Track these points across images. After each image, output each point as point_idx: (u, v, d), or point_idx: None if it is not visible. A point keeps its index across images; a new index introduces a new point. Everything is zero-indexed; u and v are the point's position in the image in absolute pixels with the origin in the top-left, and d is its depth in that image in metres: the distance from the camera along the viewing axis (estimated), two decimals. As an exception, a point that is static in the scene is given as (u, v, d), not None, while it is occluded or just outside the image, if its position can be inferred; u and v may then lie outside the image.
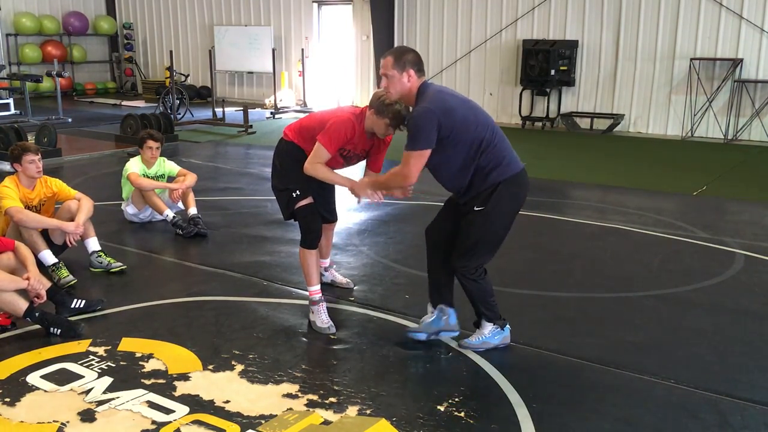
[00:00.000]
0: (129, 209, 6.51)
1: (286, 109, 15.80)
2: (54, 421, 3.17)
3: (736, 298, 4.83)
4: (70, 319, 4.20)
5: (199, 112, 14.81)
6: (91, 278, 5.10)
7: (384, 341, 4.05)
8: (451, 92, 3.74)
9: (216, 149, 11.25)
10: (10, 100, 14.69)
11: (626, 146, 11.72)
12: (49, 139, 9.84)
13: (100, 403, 3.32)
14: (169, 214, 6.25)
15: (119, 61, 20.35)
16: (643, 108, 12.87)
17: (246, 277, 5.13)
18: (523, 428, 3.15)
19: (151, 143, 6.43)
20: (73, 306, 4.34)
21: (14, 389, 3.45)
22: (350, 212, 6.92)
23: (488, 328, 3.91)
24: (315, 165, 4.02)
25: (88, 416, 3.21)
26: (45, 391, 3.44)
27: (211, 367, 3.70)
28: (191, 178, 6.46)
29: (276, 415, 3.21)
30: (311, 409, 3.27)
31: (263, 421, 3.16)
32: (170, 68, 14.01)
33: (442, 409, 3.31)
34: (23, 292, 4.12)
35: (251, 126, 12.72)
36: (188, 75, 17.81)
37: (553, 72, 13.03)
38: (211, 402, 3.33)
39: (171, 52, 14.93)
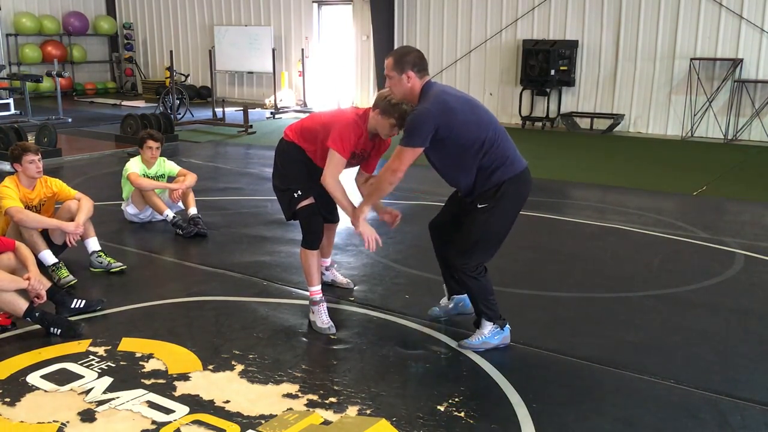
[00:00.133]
0: (129, 209, 6.51)
1: (286, 109, 15.80)
2: (54, 421, 3.17)
3: (736, 298, 4.83)
4: (70, 319, 4.20)
5: (199, 112, 14.81)
6: (91, 278, 5.10)
7: (384, 341, 4.06)
8: (454, 92, 3.75)
9: (216, 149, 11.25)
10: (10, 100, 14.69)
11: (626, 146, 11.72)
12: (49, 139, 9.84)
13: (100, 403, 3.32)
14: (169, 214, 6.25)
15: (119, 61, 20.35)
16: (643, 108, 12.87)
17: (246, 277, 5.13)
18: (523, 428, 3.15)
19: (151, 143, 6.43)
20: (73, 306, 4.34)
21: (14, 389, 3.45)
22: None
23: (488, 327, 3.91)
24: (336, 182, 3.98)
25: (88, 416, 3.21)
26: (45, 391, 3.44)
27: (211, 367, 3.70)
28: (191, 178, 6.46)
29: (276, 415, 3.21)
30: (311, 409, 3.27)
31: (263, 421, 3.16)
32: (170, 68, 14.01)
33: (442, 409, 3.31)
34: (23, 292, 4.12)
35: (251, 126, 12.72)
36: (188, 75, 17.81)
37: (553, 72, 13.03)
38: (211, 402, 3.33)
39: (171, 52, 14.93)
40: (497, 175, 3.68)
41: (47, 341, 3.99)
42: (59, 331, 4.04)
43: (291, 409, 3.28)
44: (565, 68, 13.11)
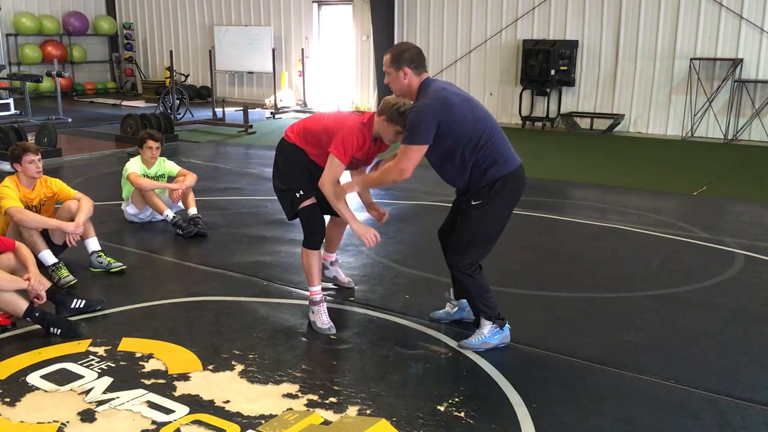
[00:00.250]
0: (129, 209, 6.51)
1: (286, 109, 15.80)
2: (54, 421, 3.17)
3: (736, 298, 4.83)
4: (70, 319, 4.20)
5: (199, 112, 14.81)
6: (91, 278, 5.10)
7: (384, 341, 4.06)
8: (452, 89, 3.77)
9: (216, 149, 11.25)
10: (10, 100, 14.69)
11: (626, 146, 11.72)
12: (49, 139, 9.84)
13: (100, 403, 3.32)
14: (169, 214, 6.25)
15: (119, 61, 20.36)
16: (643, 108, 12.87)
17: (246, 277, 5.13)
18: (523, 428, 3.15)
19: (151, 143, 6.43)
20: (73, 306, 4.34)
21: (14, 389, 3.45)
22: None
23: (487, 327, 3.91)
24: (332, 186, 3.98)
25: (88, 416, 3.21)
26: (45, 391, 3.44)
27: (211, 367, 3.70)
28: (191, 178, 6.46)
29: (276, 415, 3.21)
30: (311, 409, 3.28)
31: (263, 421, 3.16)
32: (170, 68, 14.01)
33: (442, 409, 3.31)
34: (23, 292, 4.12)
35: (251, 126, 12.72)
36: (188, 75, 17.81)
37: (553, 72, 13.03)
38: (211, 402, 3.33)
39: (171, 52, 14.93)
40: (492, 172, 3.70)
41: (47, 341, 4.00)
42: (59, 331, 4.04)
43: (291, 409, 3.28)
44: (565, 68, 13.11)
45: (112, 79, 20.47)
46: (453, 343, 4.00)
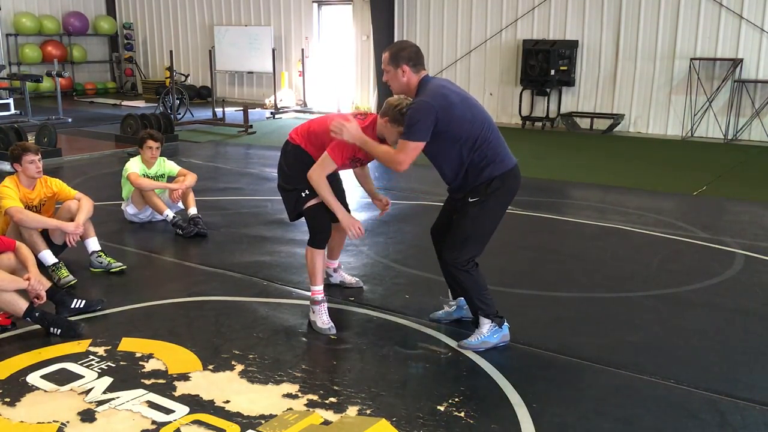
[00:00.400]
0: (129, 209, 6.51)
1: (286, 109, 15.80)
2: (54, 421, 3.17)
3: (736, 298, 4.83)
4: (70, 319, 4.20)
5: (199, 112, 14.81)
6: (91, 278, 5.10)
7: (384, 341, 4.06)
8: (452, 87, 3.80)
9: (216, 149, 11.25)
10: (10, 100, 14.69)
11: (626, 146, 11.72)
12: (49, 139, 9.84)
13: (100, 403, 3.32)
14: (169, 214, 6.25)
15: (119, 61, 20.36)
16: (643, 108, 12.87)
17: (246, 277, 5.13)
18: (523, 428, 3.15)
19: (151, 143, 6.43)
20: (73, 306, 4.34)
21: (14, 389, 3.45)
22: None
23: (486, 326, 3.91)
24: (321, 181, 4.02)
25: (88, 416, 3.21)
26: (45, 391, 3.44)
27: (211, 367, 3.70)
28: (191, 178, 6.46)
29: (276, 415, 3.21)
30: (311, 409, 3.27)
31: (263, 421, 3.16)
32: (170, 68, 14.01)
33: (442, 409, 3.31)
34: (23, 292, 4.12)
35: (251, 126, 12.72)
36: (188, 75, 17.81)
37: (553, 72, 13.03)
38: (211, 402, 3.33)
39: (171, 52, 14.93)
40: (488, 170, 3.74)
41: (47, 341, 3.99)
42: (59, 331, 4.04)
43: (291, 409, 3.28)
44: (565, 68, 13.11)
45: (112, 79, 20.48)
46: (453, 343, 4.00)
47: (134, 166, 6.40)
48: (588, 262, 5.62)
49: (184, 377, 3.58)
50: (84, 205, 5.17)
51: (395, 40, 14.85)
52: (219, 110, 13.52)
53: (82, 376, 3.58)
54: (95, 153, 10.37)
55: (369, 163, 4.41)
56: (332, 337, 4.11)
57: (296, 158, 4.20)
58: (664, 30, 12.37)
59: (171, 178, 6.60)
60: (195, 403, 3.32)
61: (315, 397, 3.38)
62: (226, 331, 4.17)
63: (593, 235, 6.40)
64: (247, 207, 7.29)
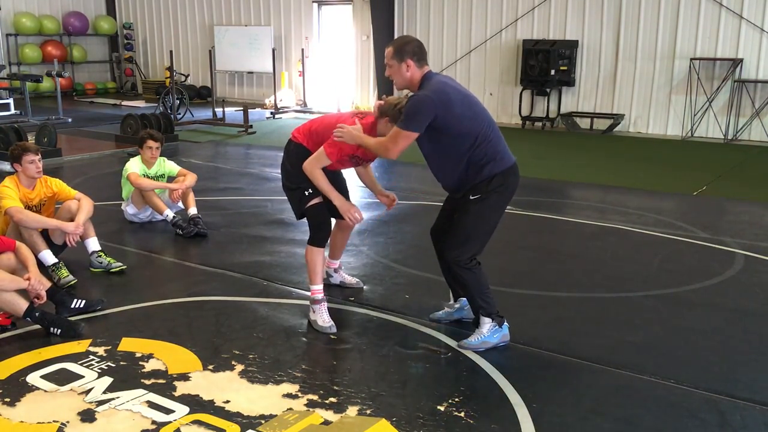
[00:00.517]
0: (129, 209, 6.51)
1: (286, 109, 15.80)
2: (54, 421, 3.17)
3: (736, 298, 4.83)
4: (70, 319, 4.20)
5: (199, 112, 14.81)
6: (91, 278, 5.10)
7: (384, 341, 4.06)
8: (454, 85, 3.83)
9: (216, 149, 11.25)
10: (10, 100, 14.69)
11: (626, 146, 11.72)
12: (49, 139, 9.83)
13: (100, 403, 3.32)
14: (169, 214, 6.25)
15: (119, 61, 20.36)
16: (643, 108, 12.87)
17: (246, 277, 5.13)
18: (523, 428, 3.15)
19: (151, 143, 6.43)
20: (73, 306, 4.34)
21: (14, 389, 3.45)
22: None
23: (487, 325, 3.91)
24: (315, 171, 4.08)
25: (88, 416, 3.20)
26: (45, 391, 3.44)
27: (211, 367, 3.70)
28: (191, 178, 6.46)
29: (276, 415, 3.21)
30: (311, 409, 3.27)
31: (263, 421, 3.16)
32: (170, 68, 14.01)
33: (442, 409, 3.31)
34: (23, 292, 4.12)
35: (251, 126, 12.72)
36: (188, 75, 17.81)
37: (553, 72, 13.03)
38: (211, 402, 3.33)
39: (171, 52, 14.93)
40: (488, 168, 3.76)
41: (47, 341, 3.99)
42: (59, 331, 4.04)
43: (291, 409, 3.28)
44: (565, 68, 13.11)
45: (112, 79, 20.47)
46: (453, 343, 4.00)
47: (134, 166, 6.40)
48: (588, 262, 5.62)
49: (184, 377, 3.58)
50: (84, 205, 5.17)
51: (395, 40, 14.86)
52: (219, 110, 13.52)
53: (82, 376, 3.58)
54: (95, 153, 10.37)
55: (372, 163, 4.43)
56: (332, 336, 4.11)
57: (298, 157, 4.22)
58: (664, 30, 12.37)
59: (171, 178, 6.60)
60: (195, 403, 3.32)
61: (315, 397, 3.38)
62: (226, 331, 4.17)
63: (593, 235, 6.40)
64: (247, 207, 7.29)
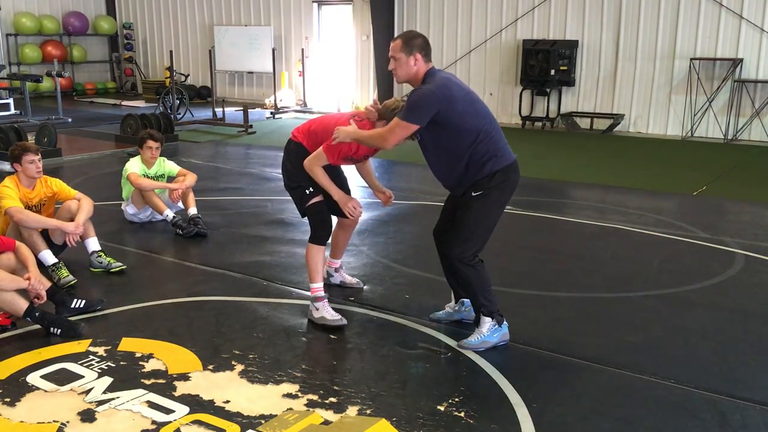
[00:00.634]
0: (129, 209, 6.51)
1: (286, 109, 15.80)
2: (54, 421, 3.17)
3: (736, 298, 4.83)
4: (70, 319, 4.20)
5: (199, 112, 14.80)
6: (91, 278, 5.10)
7: (384, 341, 4.06)
8: (457, 82, 3.85)
9: (216, 149, 11.25)
10: (10, 100, 14.69)
11: (626, 146, 11.72)
12: (49, 139, 9.84)
13: (100, 403, 3.32)
14: (169, 214, 6.25)
15: (119, 61, 20.36)
16: (643, 108, 12.87)
17: (246, 277, 5.13)
18: (523, 428, 3.15)
19: (151, 143, 6.43)
20: (73, 306, 4.34)
21: (14, 389, 3.45)
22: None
23: (487, 324, 3.91)
24: (315, 168, 4.14)
25: (88, 416, 3.21)
26: (45, 391, 3.44)
27: (211, 367, 3.70)
28: (191, 178, 6.46)
29: (276, 415, 3.21)
30: (311, 409, 3.28)
31: (263, 421, 3.16)
32: (170, 68, 14.01)
33: (442, 409, 3.31)
34: (23, 292, 4.12)
35: (251, 126, 12.72)
36: (188, 75, 17.81)
37: (553, 72, 13.03)
38: (211, 402, 3.33)
39: (171, 52, 14.93)
40: (489, 165, 3.78)
41: (47, 341, 3.99)
42: (59, 331, 4.04)
43: (291, 409, 3.28)
44: (565, 68, 13.11)
45: (112, 79, 20.48)
46: (453, 343, 4.00)
47: (134, 166, 6.40)
48: (588, 262, 5.62)
49: (184, 377, 3.58)
50: (84, 205, 5.17)
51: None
52: (219, 110, 13.52)
53: (82, 376, 3.58)
54: (95, 153, 10.37)
55: (370, 159, 4.46)
56: (332, 336, 4.11)
57: (299, 156, 4.26)
58: (664, 30, 12.37)
59: (171, 178, 6.60)
60: (195, 403, 3.32)
61: (315, 397, 3.38)
62: (226, 331, 4.17)
63: (593, 235, 6.40)
64: (247, 207, 7.29)
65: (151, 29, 19.73)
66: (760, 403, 3.40)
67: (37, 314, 4.06)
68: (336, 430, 3.10)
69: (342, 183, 4.45)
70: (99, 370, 3.64)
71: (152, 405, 3.30)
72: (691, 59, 12.07)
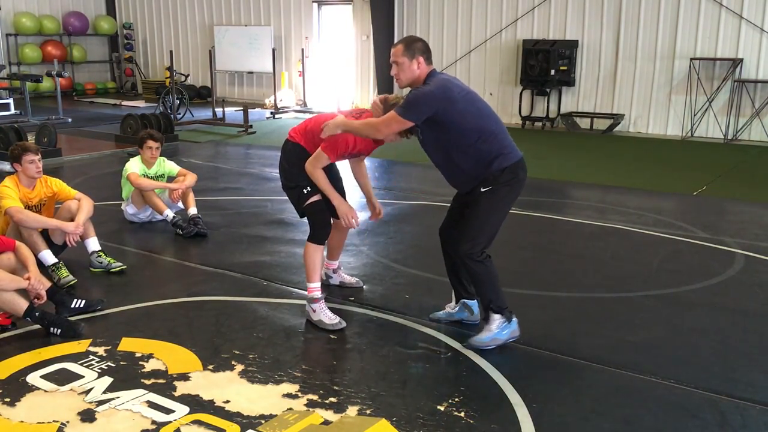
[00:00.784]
0: (129, 209, 6.51)
1: (286, 109, 15.80)
2: (54, 421, 3.17)
3: (736, 298, 4.83)
4: (70, 319, 4.20)
5: (199, 112, 14.81)
6: (91, 278, 5.10)
7: (384, 341, 4.06)
8: (458, 83, 3.87)
9: (216, 149, 11.25)
10: (10, 100, 14.69)
11: (626, 146, 11.72)
12: (49, 139, 9.84)
13: (100, 403, 3.32)
14: (169, 214, 6.25)
15: (119, 61, 20.36)
16: (643, 108, 12.88)
17: (246, 277, 5.13)
18: (523, 428, 3.15)
19: (151, 143, 6.43)
20: (73, 306, 4.34)
21: (14, 389, 3.45)
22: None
23: (496, 321, 3.90)
24: (316, 171, 4.13)
25: (88, 416, 3.21)
26: (45, 391, 3.44)
27: (211, 367, 3.70)
28: (191, 178, 6.46)
29: (276, 415, 3.21)
30: (311, 409, 3.28)
31: (263, 421, 3.16)
32: (170, 68, 14.01)
33: (442, 409, 3.31)
34: (23, 292, 4.12)
35: (251, 126, 12.72)
36: (188, 75, 17.81)
37: (553, 72, 13.03)
38: (211, 402, 3.33)
39: (171, 52, 14.93)
40: (497, 162, 3.80)
41: (47, 341, 3.99)
42: (59, 331, 4.04)
43: (291, 409, 3.28)
44: (565, 68, 13.11)
45: (112, 79, 20.48)
46: (453, 343, 4.00)
47: (134, 166, 6.40)
48: (588, 262, 5.62)
49: (184, 377, 3.58)
50: (84, 205, 5.17)
51: (395, 40, 14.84)
52: (219, 110, 13.53)
53: (82, 376, 3.58)
54: (95, 153, 10.37)
55: (366, 160, 4.45)
56: (332, 336, 4.11)
57: (296, 156, 4.25)
58: (664, 30, 12.37)
59: (171, 178, 6.60)
60: (195, 403, 3.32)
61: (315, 397, 3.39)
62: (226, 331, 4.17)
63: (593, 235, 6.40)
64: (247, 207, 7.29)
65: (151, 29, 19.73)
66: (760, 403, 3.41)
67: (37, 314, 4.06)
68: (336, 430, 3.10)
69: (337, 184, 4.44)
70: (99, 370, 3.64)
71: (152, 405, 3.30)
72: (691, 59, 12.07)
